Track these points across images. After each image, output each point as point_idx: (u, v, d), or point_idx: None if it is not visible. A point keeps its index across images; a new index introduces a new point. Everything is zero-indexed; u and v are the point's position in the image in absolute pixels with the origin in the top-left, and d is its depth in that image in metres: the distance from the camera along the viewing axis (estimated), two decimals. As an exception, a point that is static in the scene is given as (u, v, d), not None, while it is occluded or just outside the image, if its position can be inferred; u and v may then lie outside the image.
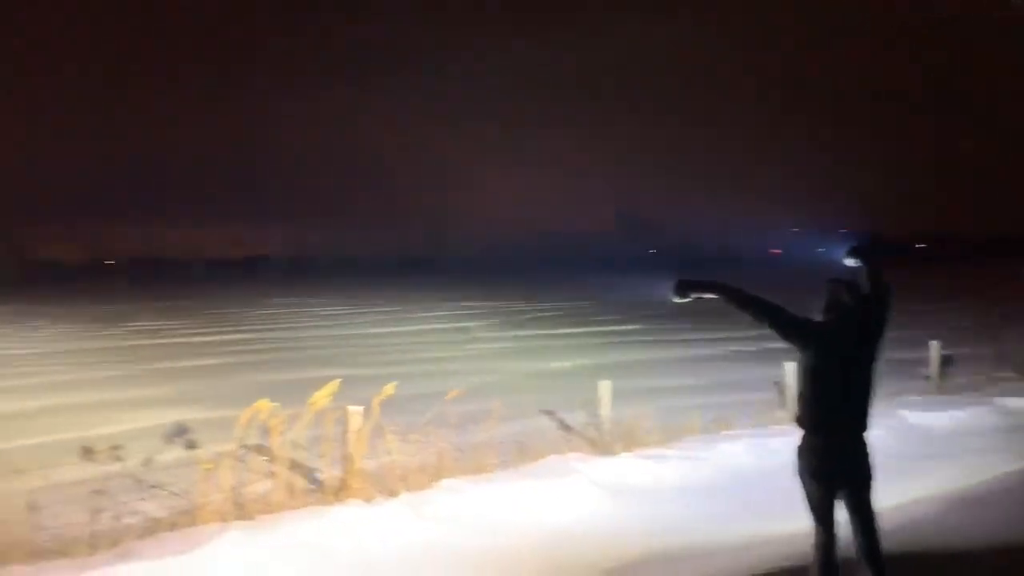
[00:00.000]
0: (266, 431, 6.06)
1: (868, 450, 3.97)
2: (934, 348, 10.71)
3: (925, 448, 7.90)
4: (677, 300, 4.19)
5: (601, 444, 7.60)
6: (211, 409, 10.49)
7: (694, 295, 4.17)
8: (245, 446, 6.00)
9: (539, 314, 28.78)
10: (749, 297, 4.02)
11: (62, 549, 5.02)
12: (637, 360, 15.84)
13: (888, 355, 4.13)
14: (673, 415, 8.48)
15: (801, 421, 4.05)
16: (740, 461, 7.18)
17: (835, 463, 3.94)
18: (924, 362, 10.78)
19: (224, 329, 24.63)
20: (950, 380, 10.76)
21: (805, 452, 4.01)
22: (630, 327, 23.36)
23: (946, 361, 10.86)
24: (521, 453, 7.14)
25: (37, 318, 28.59)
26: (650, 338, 20.17)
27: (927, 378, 10.64)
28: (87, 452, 6.58)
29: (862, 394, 3.97)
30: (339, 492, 6.15)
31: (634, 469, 6.84)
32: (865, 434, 3.97)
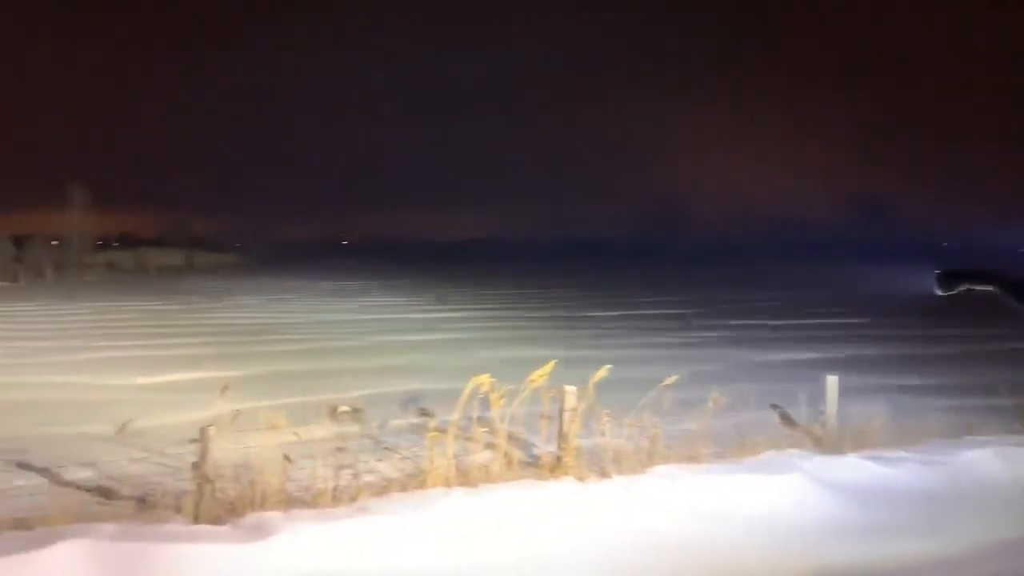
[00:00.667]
0: (488, 404, 6.35)
1: None
2: None
3: None
4: (943, 293, 3.75)
5: (827, 442, 7.24)
6: (441, 380, 11.10)
7: (963, 286, 3.71)
8: (468, 417, 6.32)
9: (762, 303, 27.68)
10: None
11: (309, 500, 5.57)
12: (867, 356, 14.86)
13: None
14: (908, 416, 7.91)
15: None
16: (986, 468, 6.57)
17: None
18: None
19: (449, 307, 25.96)
20: None
21: None
22: (859, 320, 21.96)
23: None
24: (739, 445, 6.97)
25: (286, 292, 31.62)
26: (883, 332, 18.85)
27: None
28: (333, 413, 7.25)
29: None
30: (554, 468, 6.32)
31: (862, 470, 6.45)
32: None
